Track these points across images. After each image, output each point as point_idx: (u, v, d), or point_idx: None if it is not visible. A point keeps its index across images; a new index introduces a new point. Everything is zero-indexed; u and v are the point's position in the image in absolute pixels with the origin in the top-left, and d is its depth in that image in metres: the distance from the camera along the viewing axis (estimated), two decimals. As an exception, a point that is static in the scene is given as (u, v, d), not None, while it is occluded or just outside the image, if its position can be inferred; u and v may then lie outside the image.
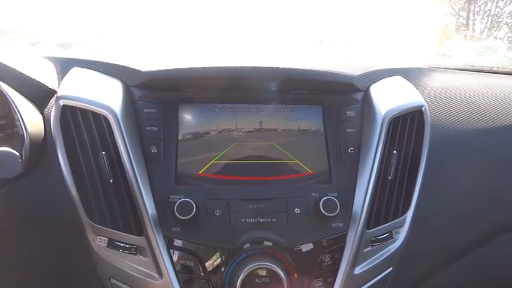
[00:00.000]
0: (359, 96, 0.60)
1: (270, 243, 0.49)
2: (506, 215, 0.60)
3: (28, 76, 0.60)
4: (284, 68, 0.57)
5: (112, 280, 0.50)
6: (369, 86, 0.61)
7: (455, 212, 0.59)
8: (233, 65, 0.57)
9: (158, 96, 0.56)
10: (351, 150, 0.56)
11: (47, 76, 0.63)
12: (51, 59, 0.68)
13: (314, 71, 0.58)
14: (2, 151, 0.40)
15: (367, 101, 0.59)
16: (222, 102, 0.57)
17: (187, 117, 0.56)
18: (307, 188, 0.53)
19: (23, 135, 0.54)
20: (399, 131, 0.57)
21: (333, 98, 0.59)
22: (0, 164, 0.39)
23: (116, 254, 0.50)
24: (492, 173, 0.61)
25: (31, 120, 0.55)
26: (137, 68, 0.57)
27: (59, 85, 0.63)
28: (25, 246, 0.53)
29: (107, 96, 0.55)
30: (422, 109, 0.59)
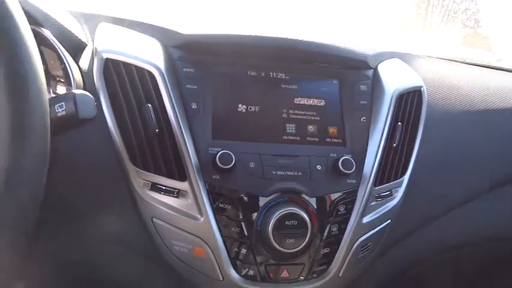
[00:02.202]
0: (370, 73, 0.68)
1: (297, 193, 0.57)
2: (490, 177, 0.72)
3: (64, 26, 0.62)
4: (314, 42, 0.64)
5: (154, 219, 0.56)
6: (377, 64, 0.70)
7: (444, 175, 0.69)
8: (266, 35, 0.63)
9: (195, 58, 0.61)
10: (363, 119, 0.64)
11: (76, 28, 0.66)
12: (73, 12, 0.70)
13: (338, 47, 0.65)
14: (81, 93, 0.43)
15: (376, 78, 0.68)
16: (253, 67, 0.63)
17: (221, 78, 0.61)
18: (327, 149, 0.61)
19: (69, 84, 0.58)
20: (403, 106, 0.66)
21: (348, 72, 0.67)
22: (82, 104, 0.43)
23: (158, 196, 0.55)
24: (477, 141, 0.73)
25: (74, 70, 0.58)
26: (177, 30, 0.61)
27: (87, 39, 0.66)
28: (69, 186, 0.57)
29: (148, 52, 0.59)
30: (421, 89, 0.69)
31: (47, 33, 0.58)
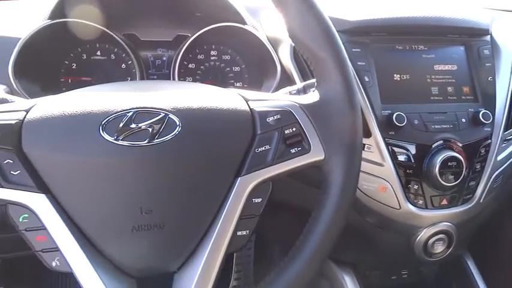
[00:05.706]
0: (488, 38, 0.83)
1: (452, 141, 0.74)
2: None
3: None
4: (445, 17, 0.79)
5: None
6: (491, 30, 0.84)
7: None
8: (407, 16, 0.78)
9: (358, 40, 0.76)
10: (490, 78, 0.80)
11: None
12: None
13: (464, 19, 0.80)
14: None
15: (493, 42, 0.83)
16: (399, 43, 0.78)
17: (378, 54, 0.77)
18: (465, 105, 0.77)
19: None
20: None
21: (472, 40, 0.82)
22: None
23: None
24: None
25: None
26: (345, 18, 0.76)
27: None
28: None
29: None
30: None
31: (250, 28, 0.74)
